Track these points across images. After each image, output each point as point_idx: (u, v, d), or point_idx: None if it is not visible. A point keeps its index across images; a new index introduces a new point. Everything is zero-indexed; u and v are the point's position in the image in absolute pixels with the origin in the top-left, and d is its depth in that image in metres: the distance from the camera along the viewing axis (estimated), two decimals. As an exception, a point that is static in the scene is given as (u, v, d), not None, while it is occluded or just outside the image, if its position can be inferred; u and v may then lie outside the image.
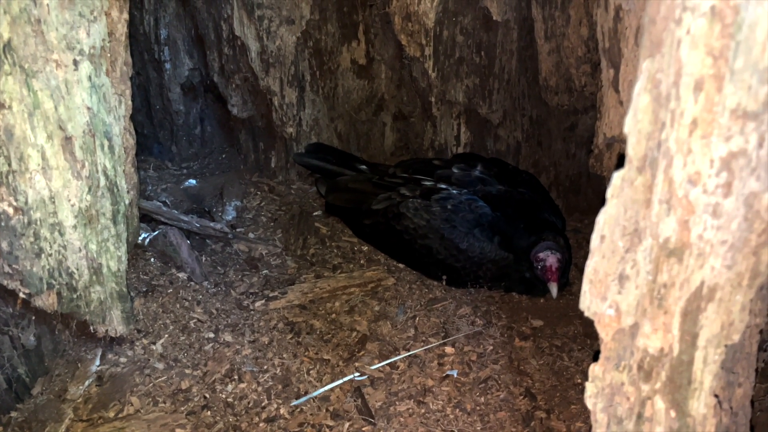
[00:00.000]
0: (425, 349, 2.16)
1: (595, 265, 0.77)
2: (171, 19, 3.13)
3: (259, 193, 3.14)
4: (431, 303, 2.42)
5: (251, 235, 2.79)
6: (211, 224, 2.67)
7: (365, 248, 2.78)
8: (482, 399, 1.95)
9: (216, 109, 3.47)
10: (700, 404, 0.75)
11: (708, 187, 0.66)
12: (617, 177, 0.73)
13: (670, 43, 0.63)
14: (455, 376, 2.04)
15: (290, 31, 2.61)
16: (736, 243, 0.67)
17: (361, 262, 2.69)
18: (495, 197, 2.52)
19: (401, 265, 2.65)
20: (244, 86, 2.93)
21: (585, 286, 0.79)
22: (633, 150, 0.70)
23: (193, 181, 3.15)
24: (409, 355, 2.14)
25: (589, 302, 0.79)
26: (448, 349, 2.17)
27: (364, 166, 2.98)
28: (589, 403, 0.88)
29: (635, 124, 0.68)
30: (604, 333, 0.79)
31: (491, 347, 2.18)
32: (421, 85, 2.85)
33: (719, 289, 0.70)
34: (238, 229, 2.81)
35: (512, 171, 2.71)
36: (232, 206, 2.94)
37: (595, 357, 0.87)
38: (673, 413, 0.76)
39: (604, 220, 0.75)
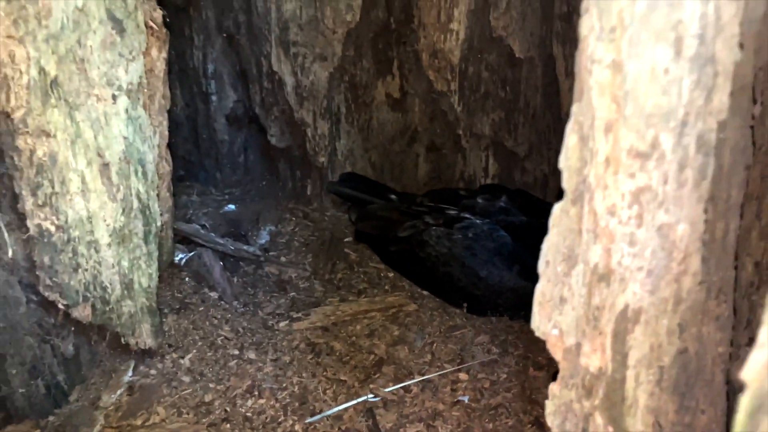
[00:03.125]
0: (439, 375, 2.21)
1: (542, 288, 0.83)
2: (218, 54, 3.35)
3: (293, 218, 3.28)
4: (450, 330, 2.47)
5: (283, 259, 2.92)
6: (245, 247, 2.81)
7: (391, 275, 2.86)
8: (491, 425, 1.98)
9: (258, 139, 3.65)
10: (637, 422, 0.80)
11: (623, 219, 0.72)
12: (557, 208, 0.80)
13: (587, 90, 0.71)
14: (466, 402, 2.08)
15: (323, 68, 2.76)
16: (654, 270, 0.72)
17: (386, 287, 2.77)
18: (517, 227, 2.57)
19: (425, 293, 2.72)
20: (282, 118, 3.10)
21: (534, 308, 0.85)
22: (566, 184, 0.77)
23: (232, 206, 3.32)
24: (423, 380, 2.19)
25: (538, 323, 0.85)
26: (462, 376, 2.21)
27: (394, 196, 3.08)
28: (548, 420, 0.93)
29: (566, 161, 0.76)
30: (554, 352, 0.85)
31: (505, 375, 2.20)
32: (449, 118, 2.95)
33: (644, 312, 0.75)
34: (270, 253, 2.94)
35: (536, 202, 2.75)
36: (266, 231, 3.08)
37: (554, 377, 0.93)
38: (611, 429, 0.80)
39: (547, 246, 0.81)
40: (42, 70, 1.46)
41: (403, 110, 3.31)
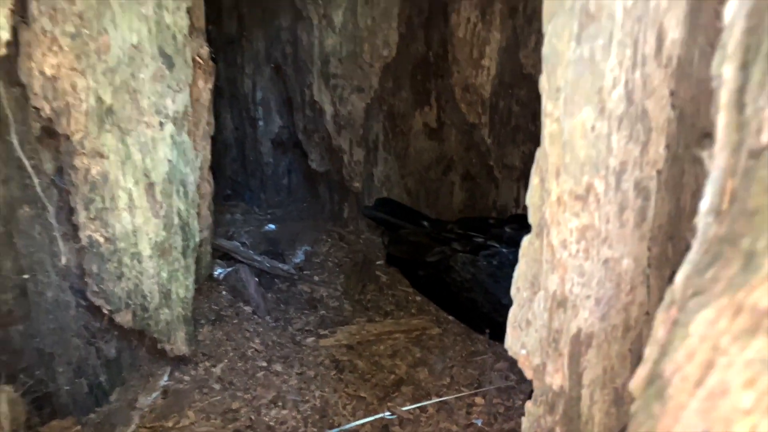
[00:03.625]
0: (456, 397, 2.28)
1: (513, 312, 0.92)
2: (266, 83, 3.56)
3: (329, 240, 3.42)
4: (471, 355, 2.53)
5: (316, 278, 3.05)
6: (280, 265, 2.96)
7: (419, 298, 2.95)
8: (501, 449, 2.03)
9: (300, 163, 3.83)
10: (592, 438, 0.87)
11: (572, 252, 0.80)
12: (525, 240, 0.89)
13: (544, 139, 0.80)
14: (479, 425, 2.14)
15: (360, 99, 2.91)
16: (602, 299, 0.80)
17: (413, 311, 2.86)
18: (541, 258, 2.62)
19: (450, 317, 2.80)
20: (322, 144, 3.26)
21: (508, 330, 0.94)
22: (531, 219, 0.86)
23: (272, 226, 3.49)
24: (440, 401, 2.26)
25: (510, 343, 0.94)
26: (478, 400, 2.27)
27: (426, 222, 3.19)
28: (526, 437, 1.01)
29: (530, 199, 0.85)
30: (525, 371, 0.93)
31: (520, 402, 2.25)
32: (482, 149, 3.04)
33: (595, 337, 0.82)
34: (304, 272, 3.08)
35: (563, 234, 2.80)
36: (302, 250, 3.23)
37: (530, 395, 1.01)
38: (570, 443, 0.88)
39: (517, 274, 0.90)
40: (99, 99, 1.64)
41: (440, 139, 3.42)
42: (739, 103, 0.46)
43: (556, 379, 0.88)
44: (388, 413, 2.20)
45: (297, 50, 3.11)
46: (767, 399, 0.41)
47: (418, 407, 2.23)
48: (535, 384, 0.95)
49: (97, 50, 1.60)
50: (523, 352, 0.90)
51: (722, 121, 0.48)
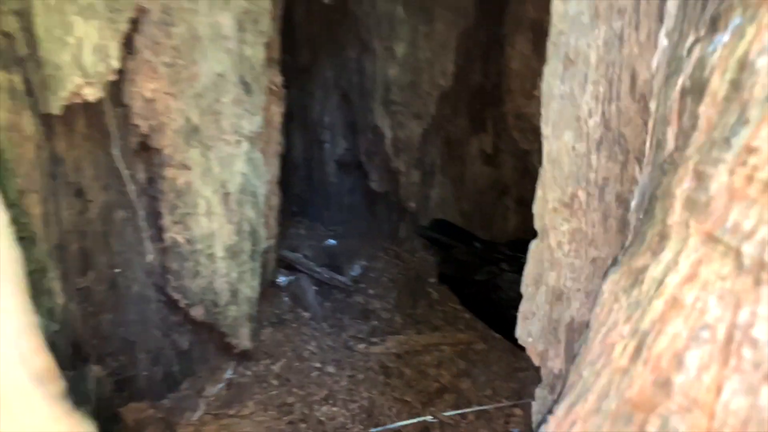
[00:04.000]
0: (495, 407, 2.40)
1: (522, 305, 1.08)
2: (333, 108, 3.83)
3: (385, 256, 3.62)
4: (514, 371, 2.65)
5: (370, 291, 3.24)
6: (338, 277, 3.18)
7: (467, 315, 3.09)
8: (535, 456, 2.14)
9: (362, 184, 4.06)
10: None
11: (565, 252, 0.95)
12: (533, 244, 1.05)
13: (543, 156, 0.97)
14: (516, 433, 2.25)
15: (417, 125, 3.12)
16: (591, 292, 0.94)
17: (460, 326, 3.00)
18: (586, 280, 2.73)
19: (497, 335, 2.92)
20: (381, 166, 3.48)
21: (519, 321, 1.10)
22: (536, 225, 1.02)
23: (333, 241, 3.73)
24: (480, 410, 2.39)
25: (520, 333, 1.09)
26: (517, 411, 2.39)
27: (478, 243, 3.34)
28: (534, 419, 1.15)
29: (536, 208, 1.01)
30: (533, 357, 1.08)
31: (557, 415, 2.35)
32: (535, 175, 3.17)
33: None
34: (360, 284, 3.28)
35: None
36: (359, 265, 3.44)
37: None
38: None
39: (526, 273, 1.06)
40: (188, 119, 1.92)
41: (495, 165, 3.58)
42: (657, 131, 0.61)
43: (556, 363, 1.02)
44: (430, 417, 2.35)
45: (362, 79, 3.36)
46: (638, 328, 0.56)
47: (458, 414, 2.37)
48: (542, 370, 1.11)
49: (188, 78, 1.88)
50: (530, 339, 1.06)
51: (647, 143, 0.63)
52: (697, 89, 0.53)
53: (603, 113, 0.83)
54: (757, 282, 0.47)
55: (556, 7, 0.87)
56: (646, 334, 0.57)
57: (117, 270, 2.16)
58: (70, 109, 1.72)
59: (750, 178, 0.48)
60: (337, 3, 3.26)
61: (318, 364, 2.64)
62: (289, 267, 3.16)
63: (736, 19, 0.49)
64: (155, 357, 2.41)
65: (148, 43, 1.81)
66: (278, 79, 2.24)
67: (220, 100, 1.95)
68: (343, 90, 3.66)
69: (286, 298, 2.98)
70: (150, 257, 2.17)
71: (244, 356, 2.58)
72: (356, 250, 3.62)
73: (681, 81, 0.55)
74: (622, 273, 0.62)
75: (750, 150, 0.48)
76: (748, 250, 0.47)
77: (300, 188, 4.29)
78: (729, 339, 0.49)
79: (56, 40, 1.58)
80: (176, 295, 2.17)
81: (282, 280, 3.01)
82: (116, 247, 2.13)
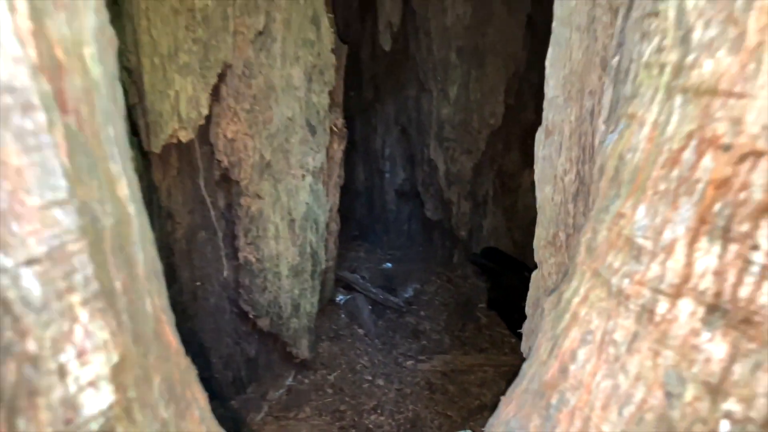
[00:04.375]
0: (531, 425, 2.56)
1: (525, 325, 1.29)
2: (393, 141, 4.12)
3: (438, 281, 3.84)
4: (553, 393, 2.80)
5: (422, 313, 3.47)
6: (392, 298, 3.43)
7: (513, 340, 3.26)
8: (564, 472, 2.30)
9: (419, 212, 4.32)
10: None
11: (553, 280, 1.16)
12: (534, 273, 1.26)
13: (537, 203, 1.20)
14: (549, 450, 2.41)
15: (468, 159, 3.36)
16: None
17: (506, 350, 3.18)
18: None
19: (540, 359, 3.08)
20: (435, 196, 3.73)
21: (523, 338, 1.31)
22: (536, 258, 1.24)
23: (389, 265, 3.99)
24: (517, 427, 2.56)
25: (523, 347, 1.30)
26: (552, 430, 2.54)
27: (528, 272, 3.51)
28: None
29: (535, 243, 1.23)
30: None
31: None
32: (581, 207, 3.34)
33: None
34: (412, 306, 3.52)
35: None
36: (413, 288, 3.68)
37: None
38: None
39: (528, 297, 1.28)
40: (261, 156, 2.24)
41: (546, 197, 3.74)
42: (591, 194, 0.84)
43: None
44: (469, 431, 2.54)
45: (419, 116, 3.64)
46: (555, 334, 0.77)
47: (496, 429, 2.55)
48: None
49: (263, 121, 2.20)
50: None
51: (592, 194, 0.85)
52: (600, 169, 0.75)
53: (578, 172, 1.04)
54: (618, 303, 0.68)
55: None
56: (558, 337, 0.79)
57: (198, 283, 2.50)
58: (166, 148, 2.07)
59: (619, 234, 0.69)
60: (400, 47, 3.57)
61: (369, 377, 2.88)
62: (347, 287, 3.44)
63: (621, 124, 0.71)
64: (226, 362, 2.73)
65: (231, 93, 2.15)
66: (340, 121, 2.55)
67: (289, 140, 2.26)
68: (402, 125, 3.95)
69: (343, 316, 3.26)
70: (226, 273, 2.49)
71: (304, 366, 2.86)
72: (411, 274, 3.86)
73: (598, 161, 0.78)
74: (555, 295, 0.84)
75: (620, 215, 0.69)
76: (615, 281, 0.69)
77: (361, 214, 4.59)
78: (602, 341, 0.70)
79: (159, 93, 1.93)
80: (246, 307, 2.48)
81: (340, 298, 3.29)
82: (198, 263, 2.46)
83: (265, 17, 2.09)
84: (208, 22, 1.96)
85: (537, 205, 1.19)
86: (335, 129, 2.49)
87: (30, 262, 0.41)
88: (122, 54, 1.90)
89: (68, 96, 0.44)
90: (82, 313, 0.45)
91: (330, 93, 2.34)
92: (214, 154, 2.24)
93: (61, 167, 0.43)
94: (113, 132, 0.52)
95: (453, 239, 3.90)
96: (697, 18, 0.62)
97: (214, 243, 2.44)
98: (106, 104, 0.51)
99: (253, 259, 2.36)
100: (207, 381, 3.06)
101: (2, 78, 0.38)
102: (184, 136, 2.03)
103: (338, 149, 2.59)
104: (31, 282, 0.41)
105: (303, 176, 2.32)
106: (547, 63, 1.08)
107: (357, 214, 4.54)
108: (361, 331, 3.18)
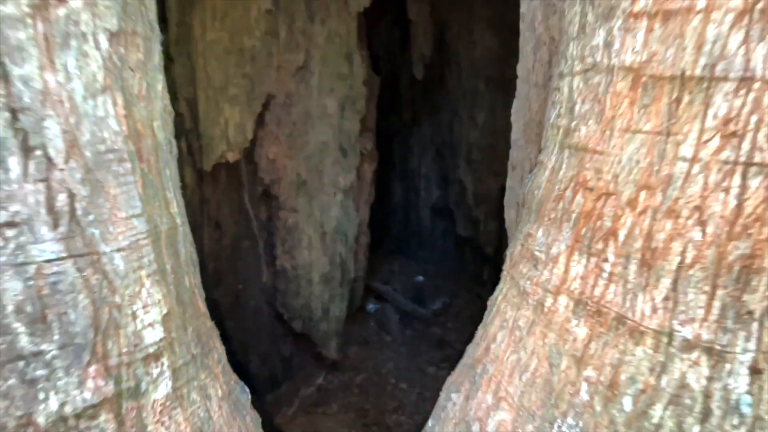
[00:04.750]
0: None
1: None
2: (429, 161, 4.38)
3: (467, 295, 4.06)
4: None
5: (448, 324, 3.70)
6: (420, 309, 3.67)
7: (532, 352, 3.45)
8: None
9: (452, 229, 4.54)
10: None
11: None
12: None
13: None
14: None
15: (496, 181, 3.58)
16: None
17: (524, 361, 3.36)
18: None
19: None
20: (465, 214, 3.96)
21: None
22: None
23: (421, 278, 4.23)
24: None
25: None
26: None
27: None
28: None
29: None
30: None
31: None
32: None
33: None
34: (439, 318, 3.75)
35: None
36: (441, 301, 3.91)
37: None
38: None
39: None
40: (298, 175, 2.54)
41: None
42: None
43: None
44: None
45: (452, 139, 3.89)
46: (486, 323, 1.01)
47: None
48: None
49: (301, 144, 2.51)
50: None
51: None
52: (523, 200, 0.99)
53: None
54: (523, 299, 0.91)
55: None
56: (487, 325, 1.02)
57: (240, 286, 2.81)
58: (216, 166, 2.40)
59: (527, 249, 0.93)
60: (435, 74, 3.84)
61: (393, 380, 3.12)
62: (379, 297, 3.70)
63: (536, 168, 0.96)
64: (263, 360, 3.03)
65: (273, 119, 2.46)
66: (369, 144, 2.84)
67: (323, 162, 2.55)
68: (437, 146, 4.21)
69: (373, 323, 3.52)
70: (265, 278, 2.80)
71: (334, 367, 3.14)
72: (441, 288, 4.09)
73: (521, 195, 1.02)
74: (493, 296, 1.08)
75: (528, 234, 0.93)
76: (522, 283, 0.92)
77: (397, 229, 4.86)
78: (512, 326, 0.93)
79: (211, 120, 2.26)
80: (281, 310, 2.77)
81: (371, 307, 3.55)
82: (240, 268, 2.78)
83: (304, 54, 2.40)
84: (254, 59, 2.28)
85: (506, 226, 1.43)
86: (365, 152, 2.77)
87: (119, 249, 0.69)
88: (182, 87, 2.24)
89: (143, 152, 0.71)
90: (147, 282, 0.72)
91: (361, 120, 2.63)
92: (257, 173, 2.56)
93: (138, 194, 0.70)
94: (169, 172, 0.81)
95: (483, 256, 4.11)
96: (578, 96, 0.86)
97: (255, 251, 2.75)
98: (166, 155, 0.79)
99: (289, 267, 2.66)
100: (246, 377, 3.41)
101: (108, 143, 0.67)
102: (232, 156, 2.35)
103: (368, 170, 2.88)
104: (119, 261, 0.69)
105: (334, 194, 2.61)
106: (512, 113, 1.32)
107: (394, 229, 4.81)
108: (388, 338, 3.43)
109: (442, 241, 4.71)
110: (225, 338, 3.20)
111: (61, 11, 0.64)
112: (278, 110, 2.44)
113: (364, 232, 3.03)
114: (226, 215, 2.64)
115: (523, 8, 1.26)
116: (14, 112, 0.63)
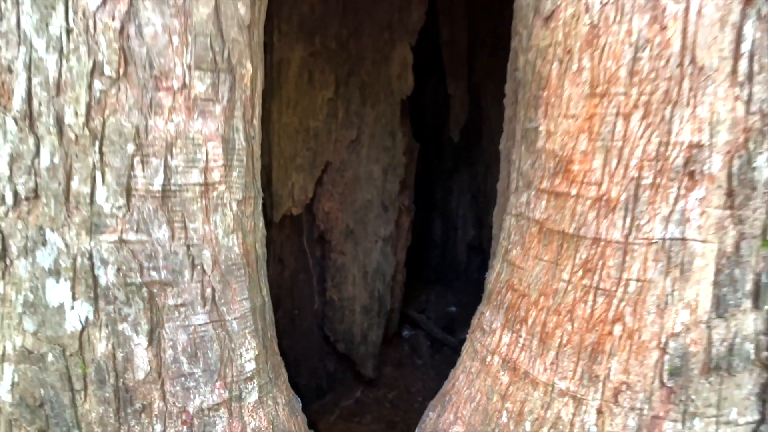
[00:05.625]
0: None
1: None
2: (466, 204, 4.89)
3: (493, 327, 4.53)
4: None
5: (474, 352, 4.18)
6: (449, 338, 4.17)
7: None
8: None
9: (484, 265, 5.02)
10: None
11: None
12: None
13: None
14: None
15: (520, 228, 4.06)
16: None
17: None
18: None
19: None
20: (495, 255, 4.45)
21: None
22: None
23: (454, 308, 4.72)
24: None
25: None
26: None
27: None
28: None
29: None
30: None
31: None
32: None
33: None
34: (466, 346, 4.24)
35: None
36: (470, 331, 4.39)
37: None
38: None
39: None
40: (347, 226, 3.11)
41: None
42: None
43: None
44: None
45: (486, 187, 4.39)
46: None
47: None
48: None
49: (350, 201, 3.08)
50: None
51: None
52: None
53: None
54: (476, 355, 1.44)
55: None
56: (456, 369, 1.55)
57: (296, 311, 3.40)
58: (283, 218, 3.00)
59: (480, 322, 1.45)
60: (473, 133, 4.36)
61: (420, 398, 3.64)
62: (413, 324, 4.23)
63: (490, 268, 1.47)
64: (311, 375, 3.60)
65: (329, 181, 3.05)
66: (407, 201, 3.39)
67: (368, 215, 3.12)
68: (473, 192, 4.72)
69: (407, 348, 4.05)
70: (316, 306, 3.38)
71: (370, 384, 3.68)
72: (471, 319, 4.58)
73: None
74: (463, 348, 1.60)
75: (481, 313, 1.45)
76: (476, 345, 1.45)
77: (436, 263, 5.37)
78: (469, 372, 1.45)
79: (281, 183, 2.87)
80: (328, 333, 3.35)
81: (406, 333, 4.08)
82: (297, 296, 3.37)
83: (357, 131, 2.98)
84: (317, 136, 2.88)
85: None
86: (403, 207, 3.33)
87: (235, 318, 1.28)
88: (263, 155, 2.86)
89: (250, 262, 1.29)
90: (248, 336, 1.30)
91: (401, 182, 3.19)
92: (315, 222, 3.15)
93: (246, 287, 1.29)
94: (263, 271, 1.39)
95: (509, 292, 4.57)
96: (513, 229, 1.39)
97: (309, 284, 3.34)
98: (261, 261, 1.38)
99: (336, 298, 3.23)
100: (296, 387, 3.99)
101: (233, 259, 1.27)
102: (295, 211, 2.95)
103: (406, 220, 3.43)
104: (235, 325, 1.28)
105: (376, 241, 3.17)
106: (493, 220, 1.85)
107: (433, 261, 5.33)
108: (419, 361, 3.96)
109: (476, 276, 5.19)
110: (282, 354, 3.86)
111: (215, 193, 1.23)
112: (334, 174, 3.03)
113: (400, 271, 3.58)
114: (288, 254, 3.24)
115: (501, 145, 1.79)
116: (188, 247, 1.21)
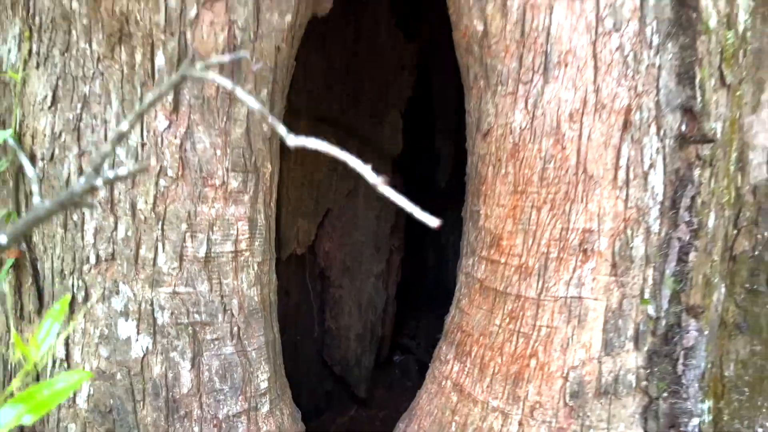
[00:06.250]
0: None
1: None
2: (455, 239, 5.35)
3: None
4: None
5: (459, 377, 4.61)
6: (436, 363, 4.60)
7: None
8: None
9: (473, 295, 5.47)
10: None
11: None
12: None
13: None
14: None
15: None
16: None
17: (515, 412, 4.24)
18: None
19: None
20: (480, 288, 4.90)
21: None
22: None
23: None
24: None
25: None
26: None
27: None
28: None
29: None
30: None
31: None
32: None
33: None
34: (452, 371, 4.66)
35: None
36: (456, 357, 4.82)
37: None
38: None
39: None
40: (344, 263, 3.57)
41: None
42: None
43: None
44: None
45: (472, 226, 4.87)
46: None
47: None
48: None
49: (347, 242, 3.54)
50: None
51: None
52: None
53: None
54: (435, 379, 1.87)
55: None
56: (420, 390, 1.99)
57: (298, 338, 3.85)
58: (288, 257, 3.47)
59: (438, 354, 1.89)
60: (460, 181, 4.84)
61: (407, 418, 4.06)
62: (404, 349, 4.67)
63: (450, 312, 1.92)
64: (311, 394, 4.03)
65: (329, 224, 3.52)
66: (398, 242, 3.85)
67: (362, 255, 3.59)
68: (461, 229, 5.18)
69: (397, 371, 4.48)
70: (316, 334, 3.82)
71: (363, 404, 4.11)
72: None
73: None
74: (427, 373, 2.04)
75: (440, 348, 1.89)
76: (435, 372, 1.88)
77: (429, 290, 5.82)
78: (429, 392, 1.88)
79: (288, 227, 3.34)
80: (326, 358, 3.79)
81: (397, 358, 4.52)
82: (299, 325, 3.82)
83: (354, 182, 3.46)
84: (320, 187, 3.36)
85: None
86: (393, 248, 3.79)
87: (253, 349, 1.73)
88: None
89: (266, 308, 1.74)
90: (263, 362, 1.74)
91: (392, 226, 3.66)
92: (316, 260, 3.61)
93: (263, 327, 1.75)
94: (275, 314, 1.85)
95: (493, 322, 5.01)
96: (464, 284, 1.85)
97: (311, 314, 3.79)
98: (275, 306, 1.83)
99: (333, 327, 3.68)
100: (298, 405, 4.45)
101: (253, 307, 1.72)
102: (299, 250, 3.42)
103: (396, 259, 3.89)
104: (256, 354, 1.72)
105: (369, 278, 3.63)
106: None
107: (426, 289, 5.78)
108: (409, 383, 4.38)
109: (466, 304, 5.62)
110: (287, 376, 4.32)
111: (242, 258, 1.70)
112: (333, 219, 3.50)
113: (391, 303, 4.03)
114: (293, 287, 3.70)
115: (462, 213, 2.26)
116: (222, 297, 1.68)
